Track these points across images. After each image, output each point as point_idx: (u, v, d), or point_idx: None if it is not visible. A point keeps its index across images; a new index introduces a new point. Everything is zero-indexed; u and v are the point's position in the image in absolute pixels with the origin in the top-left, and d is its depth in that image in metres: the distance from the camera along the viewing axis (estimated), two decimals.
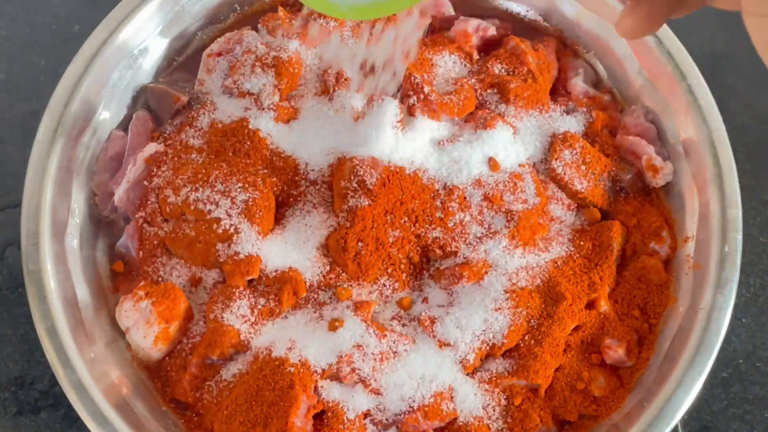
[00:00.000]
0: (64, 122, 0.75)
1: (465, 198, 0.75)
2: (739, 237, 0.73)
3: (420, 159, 0.75)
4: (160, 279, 0.74)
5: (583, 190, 0.78)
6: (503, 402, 0.70)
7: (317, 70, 0.82)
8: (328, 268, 0.74)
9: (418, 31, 0.72)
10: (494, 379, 0.71)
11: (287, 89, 0.79)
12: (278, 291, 0.72)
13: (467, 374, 0.71)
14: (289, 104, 0.79)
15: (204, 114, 0.79)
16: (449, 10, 0.87)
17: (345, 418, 0.67)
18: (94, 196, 0.78)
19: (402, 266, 0.75)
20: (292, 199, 0.76)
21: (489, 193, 0.75)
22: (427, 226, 0.74)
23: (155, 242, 0.75)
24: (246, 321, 0.71)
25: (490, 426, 0.69)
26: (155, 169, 0.76)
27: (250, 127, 0.76)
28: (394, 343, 0.70)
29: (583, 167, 0.79)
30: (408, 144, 0.75)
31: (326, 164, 0.76)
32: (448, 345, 0.71)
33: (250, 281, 0.73)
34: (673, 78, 0.79)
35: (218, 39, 0.83)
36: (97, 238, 0.78)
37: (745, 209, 0.74)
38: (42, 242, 0.71)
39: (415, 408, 0.68)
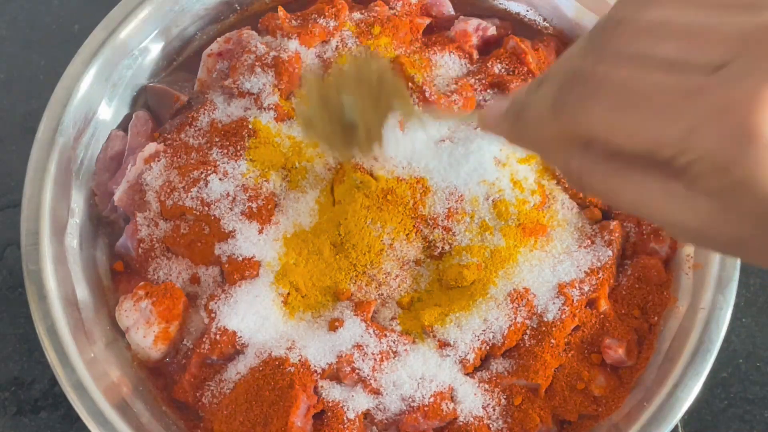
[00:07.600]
0: (64, 122, 0.75)
1: (465, 198, 0.75)
2: None
3: (420, 158, 0.75)
4: (159, 279, 0.74)
5: None
6: (503, 402, 0.70)
7: (317, 70, 0.82)
8: (328, 267, 0.74)
9: None
10: (494, 379, 0.71)
11: (287, 89, 0.79)
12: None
13: (467, 374, 0.71)
14: (289, 104, 0.79)
15: (204, 114, 0.79)
16: (449, 9, 0.87)
17: (345, 418, 0.67)
18: (94, 196, 0.78)
19: (402, 266, 0.75)
20: (292, 199, 0.76)
21: (489, 193, 0.75)
22: (427, 225, 0.74)
23: (155, 242, 0.75)
24: (246, 321, 0.71)
25: (490, 426, 0.69)
26: (155, 169, 0.76)
27: (250, 127, 0.76)
28: (393, 343, 0.70)
29: None
30: (408, 143, 0.75)
31: (327, 164, 0.76)
32: (448, 345, 0.71)
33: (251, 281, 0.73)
34: None
35: (218, 39, 0.83)
36: (97, 238, 0.78)
37: None
38: (42, 242, 0.71)
39: (415, 408, 0.68)
